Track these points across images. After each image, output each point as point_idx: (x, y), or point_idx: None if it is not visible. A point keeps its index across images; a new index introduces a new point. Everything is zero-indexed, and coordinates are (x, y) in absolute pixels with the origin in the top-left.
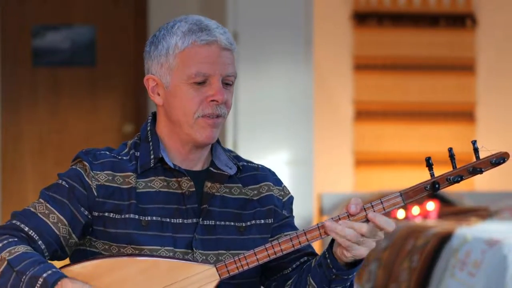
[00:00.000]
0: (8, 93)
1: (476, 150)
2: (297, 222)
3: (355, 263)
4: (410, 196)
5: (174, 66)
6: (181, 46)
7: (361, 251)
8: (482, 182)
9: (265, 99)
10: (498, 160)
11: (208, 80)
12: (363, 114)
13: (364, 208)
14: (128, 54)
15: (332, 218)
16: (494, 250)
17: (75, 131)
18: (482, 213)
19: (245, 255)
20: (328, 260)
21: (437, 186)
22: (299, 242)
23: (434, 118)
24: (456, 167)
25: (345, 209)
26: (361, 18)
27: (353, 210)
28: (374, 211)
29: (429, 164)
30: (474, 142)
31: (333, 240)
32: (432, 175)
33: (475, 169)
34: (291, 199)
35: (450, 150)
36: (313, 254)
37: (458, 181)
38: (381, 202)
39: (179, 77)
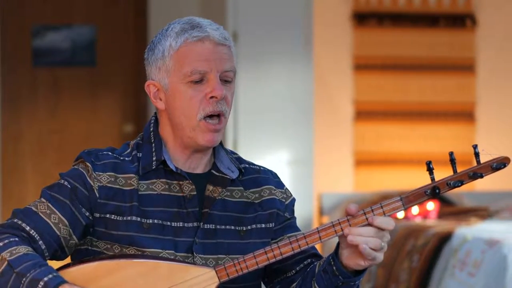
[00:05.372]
0: (8, 93)
1: (477, 155)
2: (297, 222)
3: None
4: (411, 201)
5: (171, 67)
6: (175, 46)
7: (381, 258)
8: (482, 182)
9: (265, 98)
10: (499, 165)
11: (205, 77)
12: (363, 114)
13: (364, 212)
14: (128, 54)
15: (332, 222)
16: (494, 250)
17: (75, 131)
18: (482, 213)
19: (245, 258)
20: (334, 267)
21: (437, 191)
22: (299, 245)
23: (434, 118)
24: (456, 171)
25: (345, 214)
26: (361, 18)
27: (353, 208)
28: (374, 215)
29: (429, 168)
30: (475, 147)
31: (338, 247)
32: (432, 179)
33: (476, 174)
34: (293, 201)
35: (451, 154)
36: (317, 255)
37: (458, 186)
38: (381, 206)
39: (176, 77)
